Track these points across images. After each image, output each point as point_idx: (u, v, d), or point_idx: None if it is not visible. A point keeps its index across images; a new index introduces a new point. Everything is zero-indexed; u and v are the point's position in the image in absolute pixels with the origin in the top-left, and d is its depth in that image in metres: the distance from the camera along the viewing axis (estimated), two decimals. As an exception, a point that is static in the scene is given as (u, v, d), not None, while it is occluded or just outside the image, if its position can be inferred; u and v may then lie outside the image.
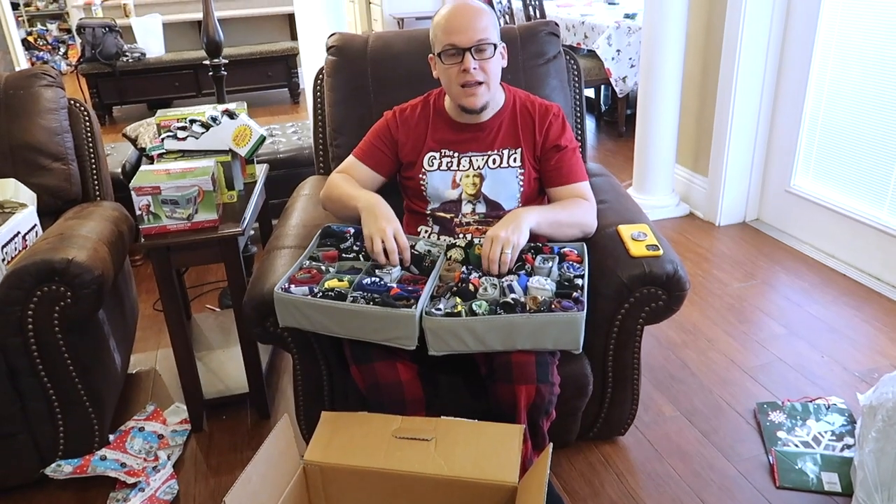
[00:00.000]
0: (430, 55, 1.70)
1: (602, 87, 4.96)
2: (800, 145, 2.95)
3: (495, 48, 1.62)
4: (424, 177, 1.72)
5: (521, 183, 1.70)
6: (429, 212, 1.74)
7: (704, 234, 3.14)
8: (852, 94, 2.68)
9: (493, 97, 1.68)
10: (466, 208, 1.71)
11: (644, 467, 1.81)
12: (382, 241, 1.53)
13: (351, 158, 1.79)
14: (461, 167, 1.71)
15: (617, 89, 4.36)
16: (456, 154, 1.72)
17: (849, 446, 1.82)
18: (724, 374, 2.17)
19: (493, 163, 1.70)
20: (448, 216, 1.71)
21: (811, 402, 1.99)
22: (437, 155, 1.72)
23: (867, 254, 2.69)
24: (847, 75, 2.69)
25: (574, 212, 1.67)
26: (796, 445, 1.84)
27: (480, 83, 1.61)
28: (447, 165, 1.71)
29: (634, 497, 1.72)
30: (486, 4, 1.65)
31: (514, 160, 1.70)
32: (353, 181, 1.74)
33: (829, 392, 2.06)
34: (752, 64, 2.94)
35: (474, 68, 1.59)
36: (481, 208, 1.71)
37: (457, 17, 1.59)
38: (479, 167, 1.70)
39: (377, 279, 1.49)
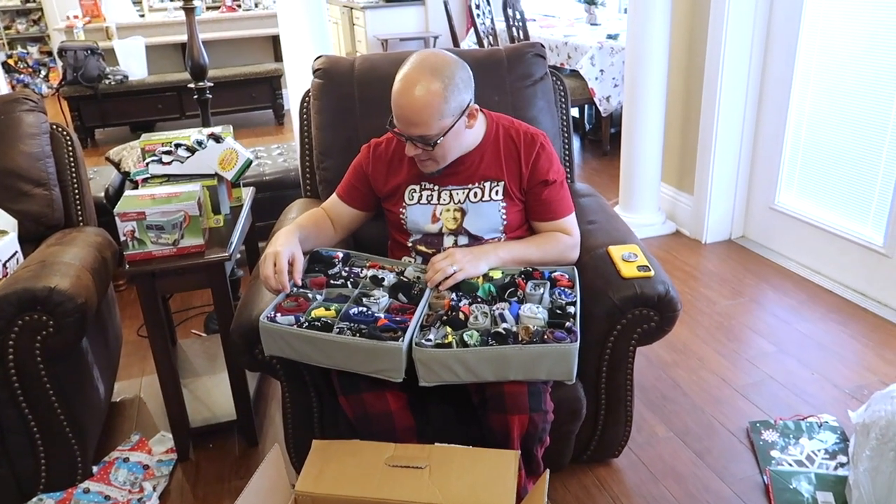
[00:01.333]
0: None
1: (586, 106, 5.00)
2: (783, 162, 2.98)
3: (443, 134, 1.53)
4: (404, 210, 1.68)
5: (504, 217, 1.66)
6: (410, 244, 1.71)
7: (691, 252, 3.16)
8: (834, 111, 2.71)
9: (456, 154, 1.63)
10: (448, 241, 1.67)
11: (639, 490, 1.79)
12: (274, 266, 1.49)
13: (333, 196, 1.78)
14: (441, 201, 1.67)
15: (601, 108, 4.40)
16: (436, 188, 1.67)
17: (842, 464, 1.81)
18: (715, 393, 2.16)
19: (475, 196, 1.66)
20: (430, 251, 1.67)
21: (803, 420, 1.99)
22: (418, 188, 1.68)
23: (852, 270, 2.71)
24: (828, 92, 2.73)
25: (548, 249, 1.65)
26: (790, 465, 1.83)
27: (428, 158, 1.60)
28: (427, 199, 1.67)
29: (630, 521, 1.70)
30: (439, 79, 1.49)
31: (497, 193, 1.65)
32: (315, 214, 1.74)
33: (821, 409, 2.06)
34: (734, 82, 2.98)
35: (416, 154, 1.58)
36: (463, 241, 1.67)
37: (398, 105, 1.52)
38: (459, 201, 1.66)
39: (364, 308, 1.47)
